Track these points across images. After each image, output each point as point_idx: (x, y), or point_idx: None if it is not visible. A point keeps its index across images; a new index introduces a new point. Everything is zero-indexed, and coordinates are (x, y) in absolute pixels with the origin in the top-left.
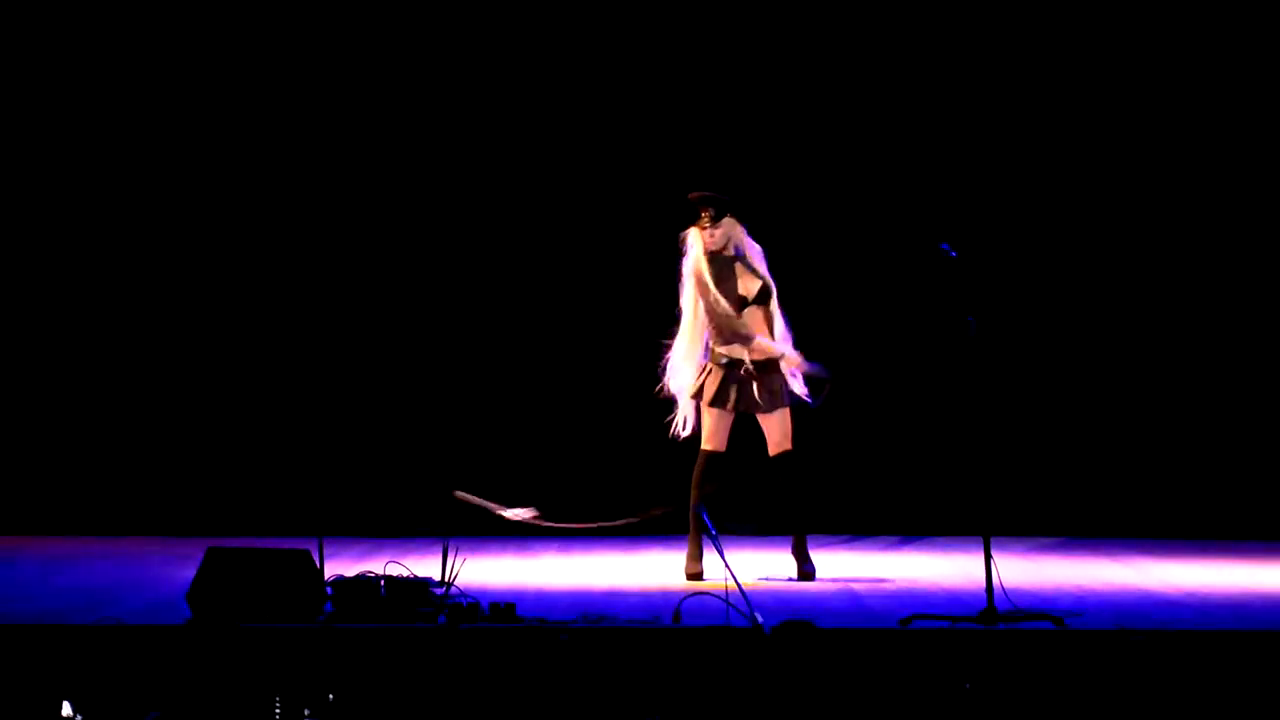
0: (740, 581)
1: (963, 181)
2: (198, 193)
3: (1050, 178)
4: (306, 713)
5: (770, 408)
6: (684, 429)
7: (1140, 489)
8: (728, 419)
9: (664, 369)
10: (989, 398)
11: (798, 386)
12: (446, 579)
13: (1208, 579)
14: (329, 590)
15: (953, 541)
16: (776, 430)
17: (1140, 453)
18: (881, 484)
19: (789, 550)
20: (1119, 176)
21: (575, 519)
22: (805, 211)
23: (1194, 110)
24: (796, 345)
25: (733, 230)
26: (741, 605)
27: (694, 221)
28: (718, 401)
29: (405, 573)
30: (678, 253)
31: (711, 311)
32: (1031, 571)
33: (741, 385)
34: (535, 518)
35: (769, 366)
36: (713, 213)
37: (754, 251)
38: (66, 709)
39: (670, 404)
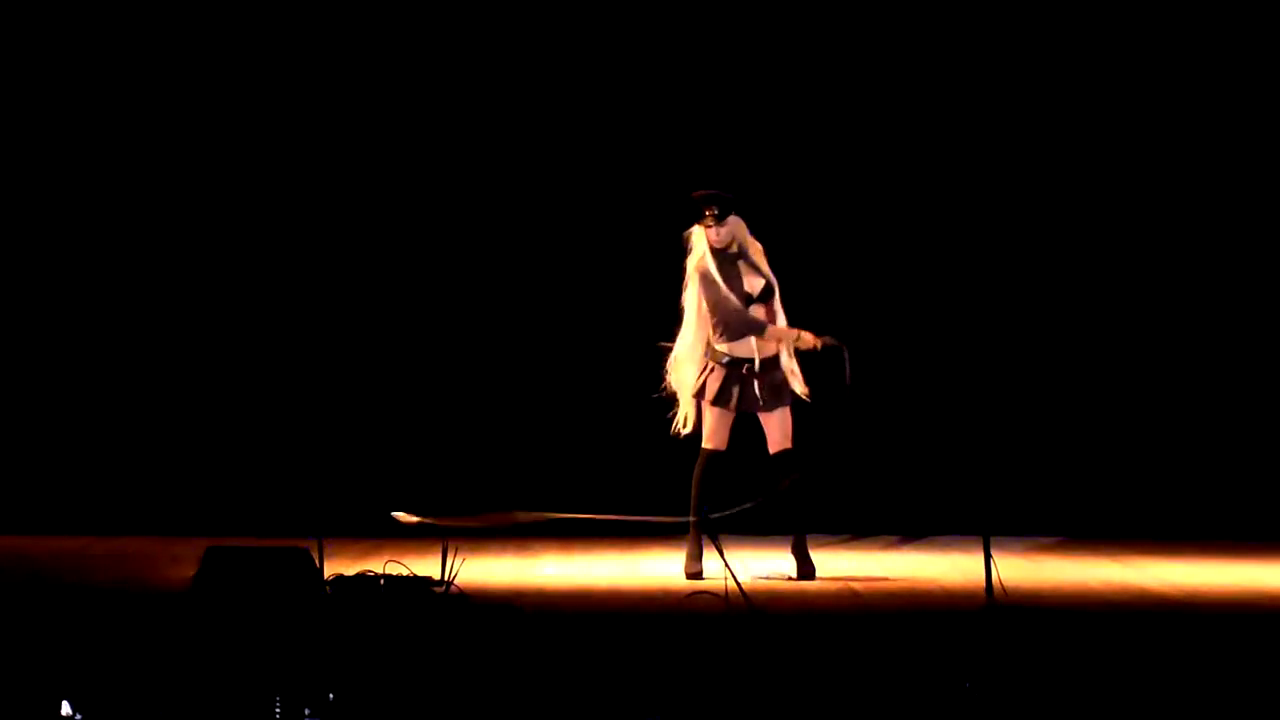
0: (740, 582)
1: (962, 181)
2: (198, 193)
3: (1050, 178)
4: (306, 713)
5: (771, 406)
6: (685, 427)
7: (1140, 489)
8: (729, 418)
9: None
10: (989, 398)
11: (798, 386)
12: (446, 578)
13: (1208, 579)
14: (329, 590)
15: (953, 541)
16: (777, 429)
17: (1140, 453)
18: (881, 484)
19: (789, 550)
20: (1118, 176)
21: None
22: (805, 211)
23: (1194, 114)
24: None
25: (737, 228)
26: (741, 604)
27: (698, 220)
28: (720, 400)
29: (405, 572)
30: (678, 251)
31: (716, 309)
32: (1031, 571)
33: (743, 384)
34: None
35: (770, 365)
36: (717, 211)
37: (756, 249)
38: (66, 709)
39: (671, 402)
